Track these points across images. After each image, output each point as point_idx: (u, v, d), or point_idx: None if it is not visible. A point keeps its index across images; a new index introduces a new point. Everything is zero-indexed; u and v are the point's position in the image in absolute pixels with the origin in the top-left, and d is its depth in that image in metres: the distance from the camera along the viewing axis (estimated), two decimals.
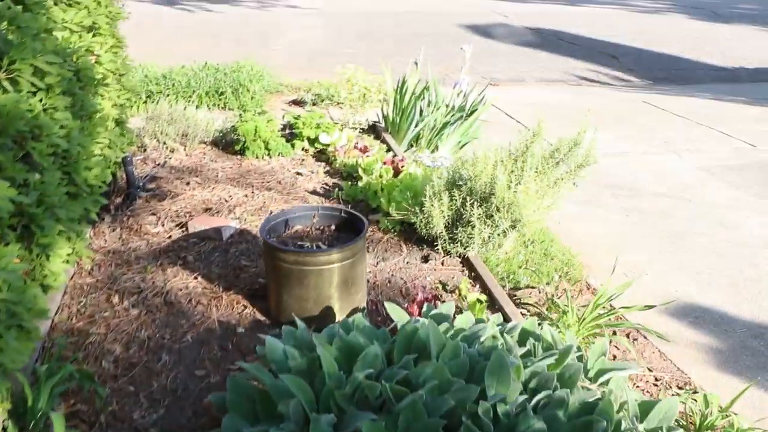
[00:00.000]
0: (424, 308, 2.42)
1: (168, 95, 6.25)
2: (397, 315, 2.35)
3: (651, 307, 2.98)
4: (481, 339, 2.10)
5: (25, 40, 2.07)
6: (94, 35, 3.29)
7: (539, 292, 3.41)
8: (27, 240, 2.31)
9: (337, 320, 2.72)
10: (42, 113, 2.36)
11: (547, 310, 3.13)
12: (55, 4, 2.83)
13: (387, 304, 2.36)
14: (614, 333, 3.04)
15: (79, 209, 2.80)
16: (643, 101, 7.66)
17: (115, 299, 2.94)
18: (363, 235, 2.68)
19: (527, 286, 3.45)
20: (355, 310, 2.76)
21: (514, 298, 3.24)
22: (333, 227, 2.95)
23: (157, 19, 11.88)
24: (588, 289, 3.54)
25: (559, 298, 3.24)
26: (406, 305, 2.68)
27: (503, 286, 3.32)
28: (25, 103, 2.12)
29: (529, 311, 3.21)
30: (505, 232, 3.22)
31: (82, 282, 3.07)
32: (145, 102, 6.19)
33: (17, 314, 2.02)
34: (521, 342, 2.25)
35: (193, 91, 6.37)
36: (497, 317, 2.39)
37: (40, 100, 2.38)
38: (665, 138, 6.18)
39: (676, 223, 4.31)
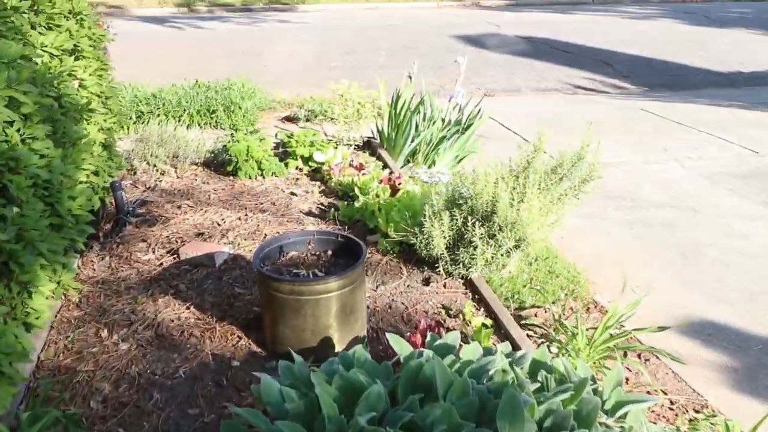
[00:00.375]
0: (428, 338, 2.29)
1: (158, 115, 6.14)
2: (400, 347, 2.22)
3: (664, 328, 2.85)
4: (490, 372, 1.98)
5: None
6: (76, 59, 3.18)
7: (545, 312, 3.29)
8: (6, 278, 2.19)
9: (336, 350, 2.59)
10: (20, 144, 2.24)
11: (554, 331, 3.01)
12: (33, 27, 2.72)
13: (389, 336, 2.24)
14: (625, 354, 2.92)
15: (63, 241, 2.67)
16: (641, 109, 7.57)
17: (104, 333, 2.81)
18: (361, 260, 2.56)
19: (533, 306, 3.33)
20: (355, 340, 2.64)
21: (520, 320, 3.12)
22: (330, 252, 2.82)
23: (148, 38, 11.80)
24: (595, 306, 3.42)
25: (566, 318, 3.12)
26: (408, 334, 2.56)
27: (508, 307, 3.20)
28: (1, 135, 2.00)
29: (535, 332, 3.09)
30: (508, 251, 3.10)
31: (70, 315, 2.94)
32: (136, 122, 6.08)
33: None
34: (532, 374, 2.12)
35: (184, 110, 6.26)
36: (505, 346, 2.26)
37: (18, 130, 2.26)
38: (665, 146, 6.08)
39: (682, 234, 4.20)
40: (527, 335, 3.03)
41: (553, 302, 3.37)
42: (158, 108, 6.19)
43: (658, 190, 4.97)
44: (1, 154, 2.02)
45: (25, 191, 2.20)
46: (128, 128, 6.01)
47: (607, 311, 3.38)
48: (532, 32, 12.97)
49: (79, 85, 3.22)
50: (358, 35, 12.43)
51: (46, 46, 2.77)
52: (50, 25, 2.88)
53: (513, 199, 3.07)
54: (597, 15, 15.82)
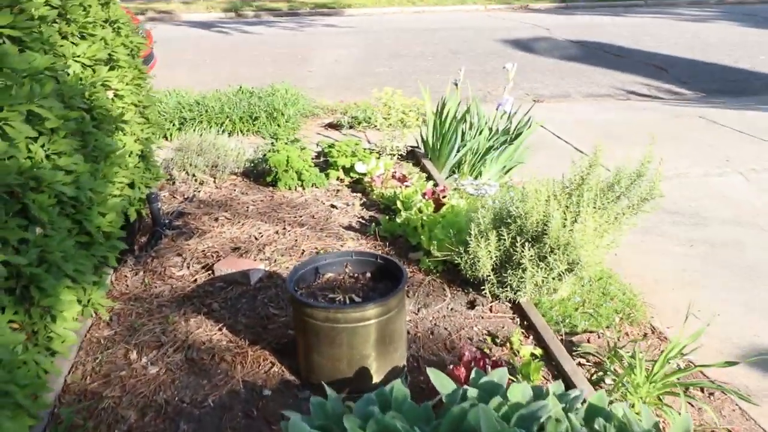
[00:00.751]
0: (473, 374, 2.10)
1: (201, 122, 6.09)
2: (442, 384, 2.03)
3: (733, 363, 2.59)
4: (542, 420, 1.77)
5: (10, 85, 1.84)
6: (111, 68, 3.09)
7: (599, 337, 3.06)
8: (27, 302, 2.08)
9: (374, 381, 2.42)
10: (44, 160, 2.13)
11: (609, 360, 2.77)
12: (65, 37, 2.62)
13: (430, 372, 2.05)
14: (686, 389, 2.67)
15: (92, 260, 2.57)
16: (699, 116, 7.20)
17: (133, 355, 2.70)
18: (402, 286, 2.38)
19: (585, 331, 3.11)
20: (394, 370, 2.46)
21: (572, 345, 2.90)
22: (368, 275, 2.65)
23: (195, 43, 11.86)
24: (653, 332, 3.18)
25: (622, 347, 2.87)
26: (451, 366, 2.36)
27: (558, 331, 2.98)
28: (19, 153, 1.89)
29: (588, 360, 2.87)
30: (560, 275, 2.88)
31: (99, 335, 2.84)
32: (179, 129, 6.04)
33: (10, 393, 1.77)
34: (588, 420, 1.91)
35: (227, 117, 6.19)
36: (557, 386, 2.05)
37: (42, 146, 2.15)
38: (726, 156, 5.74)
39: (749, 255, 3.90)
40: (579, 363, 2.81)
41: (607, 327, 3.14)
42: (201, 115, 6.14)
43: (721, 205, 4.66)
44: (21, 173, 1.91)
45: (48, 211, 2.09)
46: (171, 135, 5.98)
47: (665, 338, 3.14)
48: (583, 36, 12.60)
49: (114, 96, 3.12)
50: (403, 40, 12.26)
51: (78, 56, 2.68)
52: (83, 34, 2.78)
53: (566, 219, 2.85)
54: (650, 17, 15.30)
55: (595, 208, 2.89)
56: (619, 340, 3.02)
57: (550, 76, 9.47)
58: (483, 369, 2.33)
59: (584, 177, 2.95)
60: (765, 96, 8.47)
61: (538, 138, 5.69)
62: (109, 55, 3.06)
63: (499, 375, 2.07)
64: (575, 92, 8.71)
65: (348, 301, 2.45)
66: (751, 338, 3.11)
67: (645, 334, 3.17)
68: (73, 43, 2.69)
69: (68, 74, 2.54)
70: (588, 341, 3.03)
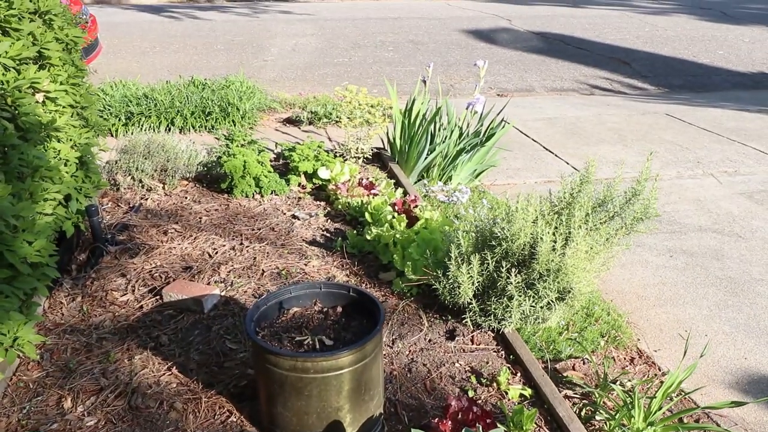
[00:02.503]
0: None
1: (150, 116, 5.66)
2: None
3: (741, 404, 2.37)
4: None
5: None
6: (41, 67, 2.69)
7: (584, 363, 2.83)
8: None
9: None
10: None
11: (598, 394, 2.54)
12: None
13: None
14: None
15: (17, 296, 2.20)
16: (666, 113, 7.08)
17: (68, 403, 2.34)
18: (379, 328, 2.08)
19: (570, 357, 2.87)
20: (369, 421, 2.17)
21: (557, 373, 2.66)
22: (339, 309, 2.35)
23: (144, 29, 11.27)
24: (640, 357, 2.97)
25: (614, 381, 2.64)
26: (436, 420, 2.08)
27: (542, 358, 2.74)
28: None
29: (575, 392, 2.63)
30: (550, 304, 2.62)
31: (28, 378, 2.46)
32: (125, 124, 5.60)
33: None
34: None
35: (178, 112, 5.77)
36: None
37: None
38: (697, 158, 5.60)
39: (731, 266, 3.73)
40: (566, 396, 2.57)
41: (593, 351, 2.92)
42: (150, 109, 5.71)
43: (697, 211, 4.49)
44: None
45: None
46: (116, 132, 5.54)
47: (654, 363, 2.94)
48: (544, 27, 12.43)
49: (45, 99, 2.73)
50: (362, 28, 11.89)
51: None
52: (5, 30, 2.39)
53: (555, 242, 2.59)
54: (609, 9, 15.24)
55: (586, 229, 2.64)
56: (606, 367, 2.80)
57: (514, 69, 9.26)
58: (471, 423, 2.05)
59: (574, 195, 2.69)
60: (725, 92, 8.43)
61: (505, 136, 5.44)
62: (39, 52, 2.66)
63: None
64: (539, 86, 8.52)
65: (318, 345, 2.14)
66: (740, 361, 2.92)
67: (632, 359, 2.96)
68: None
69: None
70: (573, 368, 2.79)
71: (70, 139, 3.04)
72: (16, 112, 2.34)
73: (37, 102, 2.64)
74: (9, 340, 2.24)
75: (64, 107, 2.92)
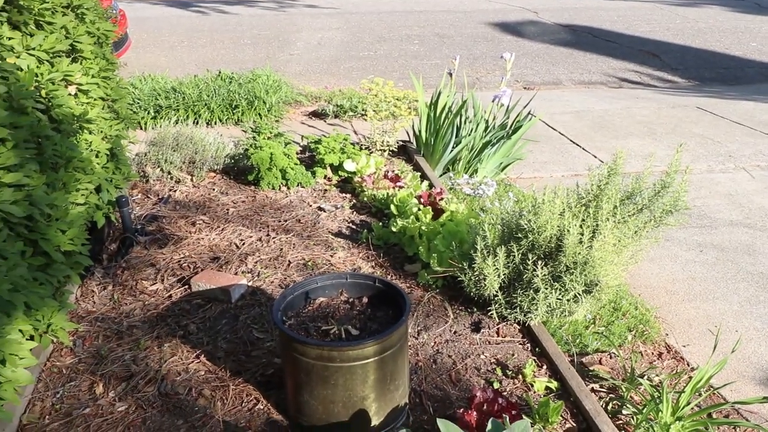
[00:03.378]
0: (489, 426, 1.83)
1: (178, 109, 5.72)
2: None
3: None
4: None
5: None
6: (74, 60, 2.74)
7: (611, 357, 2.81)
8: None
9: (373, 424, 2.14)
10: None
11: (625, 388, 2.52)
12: (16, 28, 2.27)
13: (440, 423, 1.77)
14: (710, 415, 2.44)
15: (51, 284, 2.25)
16: (697, 106, 6.96)
17: (99, 388, 2.39)
18: (405, 318, 2.09)
19: (597, 351, 2.85)
20: (395, 411, 2.18)
21: (583, 367, 2.64)
22: (365, 300, 2.36)
23: (173, 24, 11.38)
24: (668, 351, 2.94)
25: (642, 375, 2.62)
26: (461, 411, 2.09)
27: (568, 351, 2.72)
28: None
29: (602, 386, 2.61)
30: (576, 297, 2.61)
31: (62, 364, 2.52)
32: (154, 117, 5.67)
33: None
34: None
35: (205, 105, 5.83)
36: None
37: None
38: (729, 151, 5.51)
39: (763, 261, 3.67)
40: (592, 389, 2.56)
41: (620, 345, 2.89)
42: (178, 103, 5.77)
43: (729, 205, 4.43)
44: None
45: None
46: (145, 125, 5.61)
47: (682, 358, 2.91)
48: (572, 19, 12.29)
49: (78, 91, 2.78)
50: (388, 22, 11.87)
51: (33, 48, 2.33)
52: (40, 23, 2.43)
53: (582, 234, 2.57)
54: (640, 1, 15.00)
55: (614, 221, 2.62)
56: (634, 361, 2.77)
57: (541, 62, 9.18)
58: (497, 414, 2.05)
59: (602, 187, 2.67)
60: (759, 85, 8.27)
61: (532, 129, 5.41)
62: (71, 45, 2.71)
63: (521, 429, 1.80)
64: (567, 79, 8.44)
65: (344, 335, 2.15)
66: None
67: (660, 354, 2.93)
68: (27, 34, 2.34)
69: (20, 71, 2.19)
70: (600, 362, 2.78)
71: (101, 131, 3.09)
72: (50, 103, 2.38)
73: (70, 94, 2.69)
74: (44, 326, 2.30)
75: (95, 100, 2.97)
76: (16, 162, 1.94)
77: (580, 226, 2.59)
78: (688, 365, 2.81)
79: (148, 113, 5.69)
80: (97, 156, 3.02)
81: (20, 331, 2.03)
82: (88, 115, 2.66)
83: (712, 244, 3.89)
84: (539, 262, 2.58)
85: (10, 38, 2.14)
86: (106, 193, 3.08)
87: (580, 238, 2.56)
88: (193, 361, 2.53)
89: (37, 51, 2.34)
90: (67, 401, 2.33)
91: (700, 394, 2.51)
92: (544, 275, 2.58)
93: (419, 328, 2.76)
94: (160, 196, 3.95)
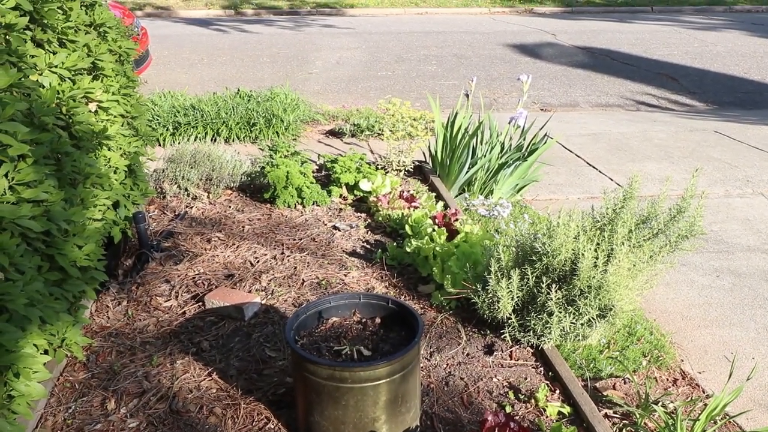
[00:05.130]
0: None
1: (196, 126, 5.78)
2: None
3: None
4: None
5: None
6: (95, 78, 2.78)
7: (624, 383, 2.78)
8: None
9: None
10: (7, 192, 1.83)
11: (639, 415, 2.49)
12: (40, 46, 2.32)
13: None
14: None
15: (66, 298, 2.27)
16: (714, 130, 6.92)
17: (111, 404, 2.39)
18: (417, 340, 2.08)
19: (610, 375, 2.82)
20: None
21: (596, 392, 2.61)
22: (378, 320, 2.36)
23: (193, 41, 11.54)
24: (683, 378, 2.90)
25: (656, 402, 2.58)
26: None
27: (581, 376, 2.70)
28: None
29: (615, 412, 2.58)
30: (591, 321, 2.58)
31: (74, 378, 2.53)
32: (173, 134, 5.73)
33: None
34: None
35: (223, 123, 5.89)
36: None
37: (6, 175, 1.85)
38: (747, 176, 5.46)
39: None
40: (606, 415, 2.53)
41: (634, 371, 2.86)
42: (196, 120, 5.83)
43: (746, 230, 4.38)
44: None
45: (10, 252, 1.79)
46: (164, 141, 5.67)
47: (697, 384, 2.87)
48: (589, 42, 12.31)
49: (98, 108, 2.82)
50: (406, 42, 11.95)
51: (55, 66, 2.37)
52: (63, 42, 2.48)
53: (597, 258, 2.56)
54: (657, 24, 15.01)
55: (629, 245, 2.60)
56: (648, 387, 2.74)
57: (558, 84, 9.19)
58: None
59: (617, 211, 2.65)
60: None
61: (548, 151, 5.41)
62: (93, 63, 2.75)
63: None
64: (584, 101, 8.43)
65: (356, 355, 2.15)
66: None
67: (675, 380, 2.89)
68: (50, 51, 2.38)
69: (42, 88, 2.23)
70: (614, 387, 2.74)
71: (120, 148, 3.13)
72: (70, 120, 2.42)
73: (90, 111, 2.73)
74: (58, 341, 2.31)
75: (115, 116, 3.01)
76: (35, 178, 1.97)
77: (595, 250, 2.58)
78: (704, 392, 2.77)
79: (167, 130, 5.76)
80: (115, 172, 3.05)
81: (35, 345, 2.04)
82: (107, 131, 2.70)
83: (729, 270, 3.84)
84: (553, 286, 2.56)
85: (33, 56, 2.18)
86: (123, 209, 3.11)
87: (595, 262, 2.55)
88: (205, 379, 2.53)
89: (59, 69, 2.38)
90: (78, 416, 2.34)
91: (715, 422, 2.47)
92: (558, 299, 2.56)
93: (432, 349, 2.74)
94: (176, 213, 3.98)
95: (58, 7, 2.44)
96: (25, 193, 1.87)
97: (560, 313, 2.56)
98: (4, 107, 1.70)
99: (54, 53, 2.41)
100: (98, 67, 2.82)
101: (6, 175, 1.84)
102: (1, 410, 1.86)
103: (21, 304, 1.82)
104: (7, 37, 1.95)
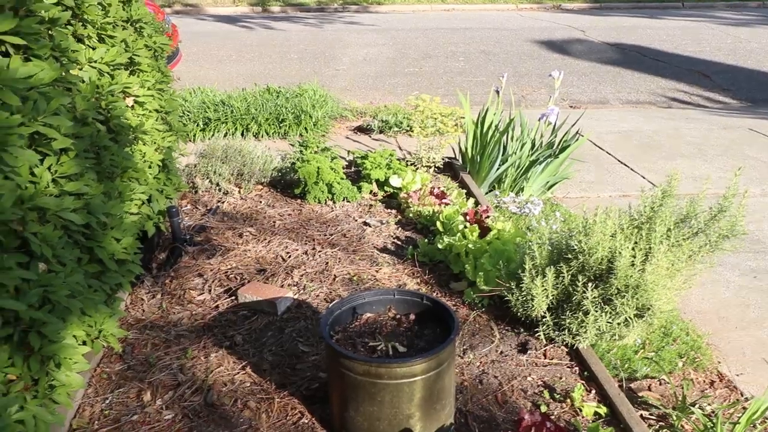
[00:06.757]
0: None
1: (226, 122, 5.82)
2: None
3: None
4: None
5: (7, 104, 1.56)
6: (132, 73, 2.81)
7: (660, 384, 2.73)
8: (26, 348, 1.80)
9: None
10: (50, 185, 1.85)
11: (676, 416, 2.45)
12: (80, 41, 2.34)
13: None
14: None
15: (104, 290, 2.29)
16: (749, 128, 6.79)
17: (147, 396, 2.42)
18: (453, 337, 2.07)
19: (646, 376, 2.77)
20: (440, 431, 2.15)
21: (631, 392, 2.58)
22: (412, 317, 2.35)
23: (221, 38, 11.62)
24: (721, 380, 2.84)
25: (694, 404, 2.54)
26: None
27: (616, 376, 2.66)
28: (20, 180, 1.61)
29: (651, 414, 2.54)
30: (628, 321, 2.55)
31: (111, 370, 2.56)
32: (203, 129, 5.78)
33: None
34: None
35: (252, 119, 5.91)
36: None
37: (49, 168, 1.87)
38: None
39: None
40: (641, 416, 2.49)
41: (670, 372, 2.81)
42: (226, 116, 5.87)
43: None
44: (21, 203, 1.63)
45: (53, 244, 1.81)
46: (194, 136, 5.72)
47: (735, 387, 2.81)
48: (619, 38, 12.16)
49: (134, 103, 2.85)
50: (433, 38, 11.91)
51: (95, 61, 2.39)
52: (102, 37, 2.50)
53: (635, 257, 2.52)
54: (688, 20, 14.78)
55: (668, 245, 2.56)
56: (685, 389, 2.69)
57: (587, 81, 9.09)
58: None
59: (656, 209, 2.61)
60: None
61: (578, 149, 5.35)
62: (130, 58, 2.78)
63: None
64: (614, 98, 8.33)
65: (391, 351, 2.14)
66: None
67: (712, 382, 2.84)
68: (89, 46, 2.41)
69: (83, 83, 2.25)
70: (649, 388, 2.70)
71: (155, 142, 3.16)
72: (109, 114, 2.44)
73: (127, 106, 2.75)
74: (95, 332, 2.34)
75: (150, 111, 3.03)
76: (77, 171, 1.99)
77: (633, 249, 2.54)
78: (742, 395, 2.71)
79: (197, 125, 5.80)
80: (149, 166, 3.08)
81: (74, 336, 2.07)
82: (143, 126, 2.72)
83: (767, 270, 3.77)
84: (589, 284, 2.53)
85: (74, 50, 2.20)
86: (156, 203, 3.14)
87: (633, 261, 2.51)
88: (239, 372, 2.54)
89: (99, 63, 2.41)
90: (115, 407, 2.37)
91: (755, 426, 2.43)
92: (594, 298, 2.53)
93: (465, 347, 2.73)
94: (208, 207, 4.01)
95: (97, 3, 2.46)
96: (67, 186, 1.89)
97: (596, 312, 2.53)
98: (49, 101, 1.72)
99: (93, 48, 2.43)
100: (135, 62, 2.84)
101: (49, 168, 1.86)
102: (43, 399, 1.89)
103: (63, 295, 1.85)
104: (51, 32, 1.97)
